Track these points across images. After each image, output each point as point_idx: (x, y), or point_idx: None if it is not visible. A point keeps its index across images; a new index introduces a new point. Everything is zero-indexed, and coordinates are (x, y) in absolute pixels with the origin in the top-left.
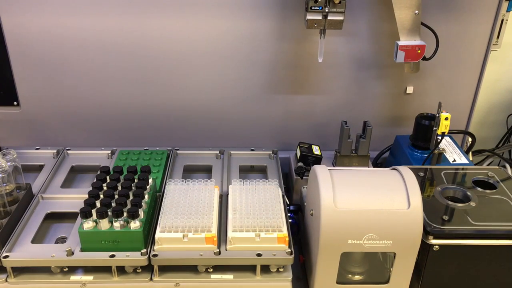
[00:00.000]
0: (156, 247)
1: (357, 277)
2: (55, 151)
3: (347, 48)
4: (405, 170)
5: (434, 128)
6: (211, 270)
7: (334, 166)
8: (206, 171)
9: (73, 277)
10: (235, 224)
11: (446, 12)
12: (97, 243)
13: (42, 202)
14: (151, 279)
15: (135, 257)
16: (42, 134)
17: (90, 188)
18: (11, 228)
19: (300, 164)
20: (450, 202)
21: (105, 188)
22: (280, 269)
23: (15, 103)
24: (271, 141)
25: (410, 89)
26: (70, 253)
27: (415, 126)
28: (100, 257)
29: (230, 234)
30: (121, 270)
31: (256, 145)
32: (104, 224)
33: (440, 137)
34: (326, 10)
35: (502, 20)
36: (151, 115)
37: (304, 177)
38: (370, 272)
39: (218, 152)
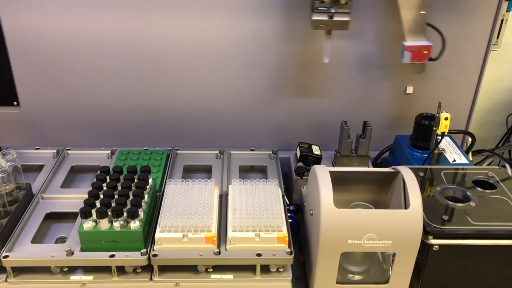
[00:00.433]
0: (156, 247)
1: (357, 277)
2: (55, 151)
3: (347, 48)
4: (405, 170)
5: (434, 128)
6: (211, 270)
7: (334, 166)
8: (206, 171)
9: (73, 277)
10: (235, 224)
11: (446, 12)
12: (97, 243)
13: (42, 202)
14: (151, 279)
15: (135, 257)
16: (42, 134)
17: (90, 188)
18: (11, 228)
19: (300, 164)
20: (450, 202)
21: (105, 188)
22: (280, 269)
23: (15, 103)
24: (271, 141)
25: (410, 89)
26: (70, 253)
27: (415, 126)
28: (100, 257)
29: (230, 234)
30: (121, 270)
31: (256, 145)
32: (104, 224)
33: (440, 137)
34: (332, 11)
35: (502, 20)
36: (151, 115)
37: (304, 177)
38: (370, 272)
39: (218, 152)
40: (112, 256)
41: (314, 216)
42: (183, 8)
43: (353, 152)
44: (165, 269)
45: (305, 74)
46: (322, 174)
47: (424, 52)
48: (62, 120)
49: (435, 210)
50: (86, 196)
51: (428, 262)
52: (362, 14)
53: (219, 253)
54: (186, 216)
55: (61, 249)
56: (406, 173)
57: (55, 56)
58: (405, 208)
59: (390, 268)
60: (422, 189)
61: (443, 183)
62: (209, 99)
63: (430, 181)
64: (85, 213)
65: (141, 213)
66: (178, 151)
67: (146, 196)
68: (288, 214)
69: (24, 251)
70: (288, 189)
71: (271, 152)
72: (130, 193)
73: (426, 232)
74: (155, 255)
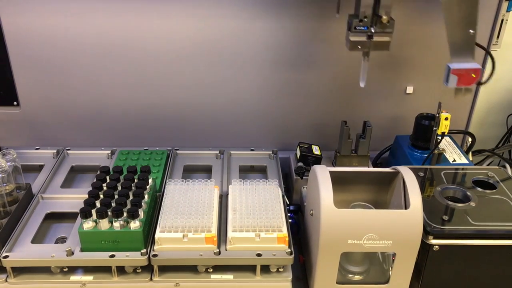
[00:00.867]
0: (156, 247)
1: (357, 277)
2: (55, 151)
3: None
4: (405, 170)
5: (434, 128)
6: (211, 270)
7: (334, 166)
8: (206, 171)
9: (73, 277)
10: (235, 224)
11: None
12: (97, 243)
13: (42, 202)
14: (151, 279)
15: (135, 257)
16: (42, 134)
17: (90, 188)
18: (11, 228)
19: (300, 164)
20: (450, 202)
21: (105, 188)
22: (280, 269)
23: (15, 103)
24: (271, 141)
25: (410, 89)
26: (70, 253)
27: (415, 126)
28: (100, 257)
29: (230, 234)
30: (121, 270)
31: (256, 145)
32: (104, 224)
33: (440, 137)
34: (372, 31)
35: (502, 20)
36: (151, 115)
37: (304, 177)
38: (370, 272)
39: (218, 152)
40: (112, 256)
41: (314, 216)
42: (182, 8)
43: (353, 152)
44: (165, 269)
45: (305, 74)
46: (322, 174)
47: (473, 75)
48: (62, 120)
49: (435, 210)
50: (86, 196)
51: (428, 262)
52: None
53: (219, 253)
54: (186, 216)
55: (61, 249)
56: (406, 173)
57: (55, 56)
58: (405, 208)
59: (390, 268)
60: (422, 189)
61: (443, 183)
62: (209, 99)
63: (430, 181)
64: (85, 213)
65: (141, 213)
66: (178, 151)
67: (146, 196)
68: (288, 214)
69: (24, 251)
70: (288, 189)
71: (271, 152)
72: (130, 193)
73: (426, 232)
74: (155, 255)
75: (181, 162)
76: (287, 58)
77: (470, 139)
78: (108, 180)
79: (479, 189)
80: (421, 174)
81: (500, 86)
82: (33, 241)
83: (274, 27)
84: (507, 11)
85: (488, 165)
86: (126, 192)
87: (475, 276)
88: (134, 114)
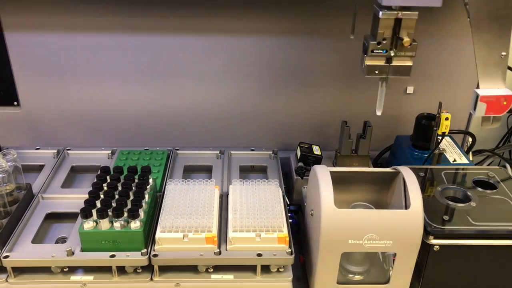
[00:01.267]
0: (156, 247)
1: (357, 277)
2: (55, 151)
3: (348, 48)
4: (406, 170)
5: (435, 128)
6: (212, 270)
7: (334, 166)
8: (206, 171)
9: (73, 277)
10: (235, 224)
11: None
12: (98, 243)
13: (42, 202)
14: (151, 279)
15: (136, 257)
16: (42, 134)
17: (90, 188)
18: (11, 228)
19: (300, 164)
20: (450, 202)
21: (105, 188)
22: (280, 269)
23: (15, 103)
24: (271, 141)
25: (410, 89)
26: (70, 253)
27: (415, 126)
28: (100, 257)
29: (230, 234)
30: (121, 270)
31: (256, 145)
32: (104, 224)
33: (440, 137)
34: (392, 54)
35: None
36: (151, 115)
37: (304, 177)
38: (370, 272)
39: (218, 152)
40: (113, 256)
41: (314, 216)
42: (182, 8)
43: (353, 152)
44: (165, 269)
45: (305, 74)
46: (322, 174)
47: (504, 103)
48: (62, 120)
49: (436, 210)
50: (87, 196)
51: (429, 262)
52: (363, 13)
53: (220, 253)
54: (186, 216)
55: (62, 249)
56: (407, 173)
57: (56, 56)
58: (406, 208)
59: (391, 268)
60: (423, 189)
61: (444, 183)
62: (209, 99)
63: (431, 181)
64: (86, 213)
65: (141, 213)
66: (178, 151)
67: (146, 196)
68: (289, 214)
69: (24, 251)
70: (289, 189)
71: (271, 152)
72: (131, 193)
73: (426, 232)
74: (155, 255)
75: (182, 162)
76: (288, 58)
77: (470, 139)
78: (108, 180)
79: (479, 189)
80: (422, 174)
81: None
82: (33, 241)
83: (275, 27)
84: None
85: (488, 165)
86: (127, 192)
87: (475, 276)
88: (134, 114)
